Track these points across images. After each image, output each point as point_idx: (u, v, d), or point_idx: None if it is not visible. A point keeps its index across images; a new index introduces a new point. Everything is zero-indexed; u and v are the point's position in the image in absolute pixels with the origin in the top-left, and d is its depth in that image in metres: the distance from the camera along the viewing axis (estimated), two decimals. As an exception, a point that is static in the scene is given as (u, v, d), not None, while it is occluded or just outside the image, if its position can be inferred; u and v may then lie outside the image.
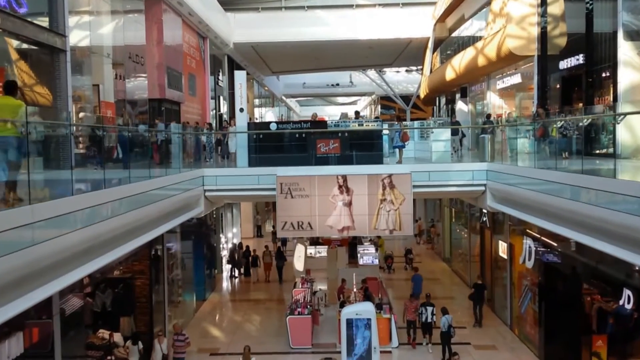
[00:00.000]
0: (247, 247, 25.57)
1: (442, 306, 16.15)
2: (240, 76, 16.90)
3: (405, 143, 16.56)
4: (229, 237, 28.10)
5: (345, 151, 15.73)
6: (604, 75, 16.33)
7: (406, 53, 36.94)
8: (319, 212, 14.75)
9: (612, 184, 8.56)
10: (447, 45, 30.46)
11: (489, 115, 17.21)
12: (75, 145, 9.54)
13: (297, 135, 15.82)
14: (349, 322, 13.79)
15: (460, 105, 30.09)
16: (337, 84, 55.88)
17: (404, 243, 29.76)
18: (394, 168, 15.28)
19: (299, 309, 16.71)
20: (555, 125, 12.79)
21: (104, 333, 14.20)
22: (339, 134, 15.84)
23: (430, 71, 32.35)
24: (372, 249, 24.79)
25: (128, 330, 15.05)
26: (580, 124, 11.14)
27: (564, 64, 19.34)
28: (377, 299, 17.52)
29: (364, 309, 13.87)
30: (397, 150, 16.57)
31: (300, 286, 19.45)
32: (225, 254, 26.64)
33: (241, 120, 16.42)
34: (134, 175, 10.37)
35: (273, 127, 16.02)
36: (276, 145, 16.03)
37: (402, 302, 17.70)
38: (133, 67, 19.87)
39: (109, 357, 13.73)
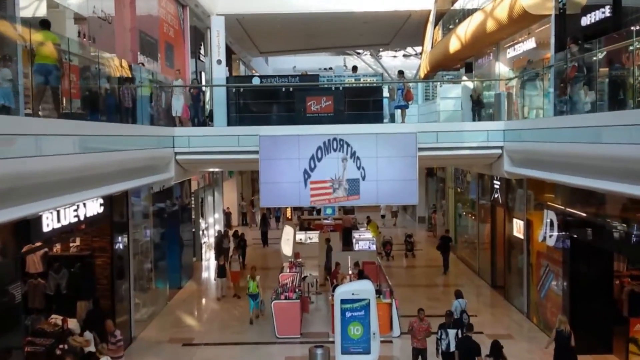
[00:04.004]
0: (242, 234, 24.12)
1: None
2: (217, 22, 15.48)
3: (409, 103, 15.43)
4: (210, 223, 26.97)
5: (339, 110, 14.77)
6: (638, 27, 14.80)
7: (405, 30, 35.55)
8: (311, 177, 13.64)
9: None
10: (451, 18, 29.09)
11: (530, 61, 15.70)
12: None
13: (283, 91, 14.83)
14: (345, 304, 12.42)
15: (465, 83, 28.76)
16: (331, 68, 54.45)
17: (401, 228, 28.76)
18: (396, 127, 14.30)
19: (286, 294, 15.53)
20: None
21: (57, 319, 13.09)
22: (333, 90, 14.95)
23: (432, 46, 30.97)
24: (369, 234, 24.08)
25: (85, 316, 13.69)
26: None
27: (586, 20, 17.79)
28: (376, 285, 16.05)
29: (361, 288, 12.55)
30: (398, 111, 15.48)
31: (288, 271, 18.51)
32: (205, 240, 25.58)
33: (219, 73, 15.08)
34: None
35: (256, 81, 14.89)
36: (259, 103, 15.19)
37: (402, 292, 16.89)
38: (99, 26, 18.19)
39: (61, 346, 12.22)
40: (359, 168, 13.51)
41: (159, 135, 12.96)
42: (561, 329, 11.75)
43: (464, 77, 19.51)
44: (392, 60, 53.93)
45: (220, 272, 18.89)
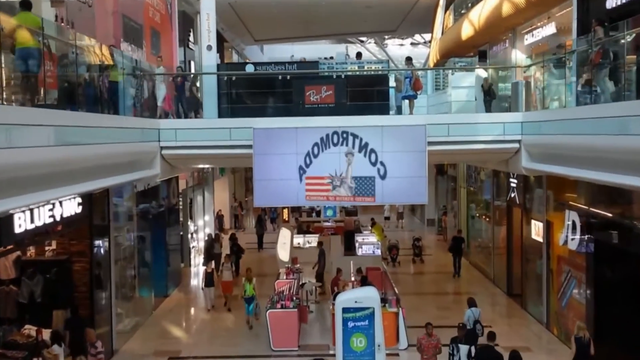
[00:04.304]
0: (236, 239, 23.99)
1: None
2: (207, 3, 15.40)
3: (418, 93, 15.43)
4: (200, 226, 26.99)
5: (341, 100, 14.69)
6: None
7: (413, 15, 35.41)
8: (310, 174, 13.62)
9: None
10: (463, 1, 29.00)
11: (560, 46, 15.63)
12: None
13: (280, 80, 14.72)
14: (347, 314, 12.36)
15: (478, 72, 28.69)
16: (332, 57, 54.42)
17: (408, 231, 28.89)
18: (403, 119, 14.27)
19: (283, 302, 15.42)
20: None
21: (30, 329, 13.04)
22: (334, 79, 14.89)
23: (442, 33, 30.88)
24: (373, 238, 23.87)
25: (62, 327, 13.62)
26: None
27: (611, 2, 17.67)
28: (381, 293, 16.01)
29: (365, 295, 12.47)
30: (406, 102, 15.51)
31: (284, 277, 18.41)
32: (194, 245, 25.56)
33: (209, 60, 15.00)
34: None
35: (250, 68, 15.06)
36: (253, 93, 15.17)
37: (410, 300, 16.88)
38: (78, 9, 18.09)
39: (35, 359, 12.12)
40: (374, 164, 13.52)
41: (142, 127, 12.86)
42: (580, 335, 11.68)
43: (478, 65, 19.41)
44: (399, 49, 53.92)
45: (208, 280, 18.62)
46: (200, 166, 21.66)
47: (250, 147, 13.54)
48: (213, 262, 20.89)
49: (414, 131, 13.53)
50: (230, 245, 23.30)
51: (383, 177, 13.59)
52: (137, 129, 12.50)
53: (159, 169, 13.90)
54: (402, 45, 54.25)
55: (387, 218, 34.11)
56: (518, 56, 24.27)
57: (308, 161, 13.55)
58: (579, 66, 12.39)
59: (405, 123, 13.80)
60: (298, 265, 20.05)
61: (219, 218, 30.21)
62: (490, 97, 16.15)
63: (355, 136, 13.54)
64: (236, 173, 36.80)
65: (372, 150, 13.58)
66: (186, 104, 15.27)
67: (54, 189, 8.91)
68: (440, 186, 32.75)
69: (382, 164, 13.61)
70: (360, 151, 13.48)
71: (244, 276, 16.68)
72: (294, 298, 15.91)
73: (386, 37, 50.76)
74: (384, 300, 15.07)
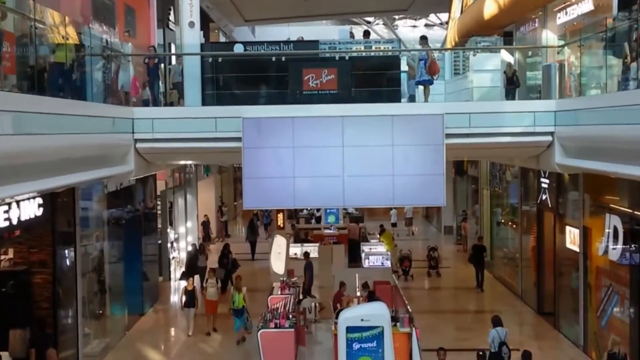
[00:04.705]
0: (228, 245, 23.93)
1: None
2: (189, -27, 15.25)
3: (434, 77, 15.20)
4: (181, 234, 27.09)
5: (345, 86, 14.59)
6: None
7: (427, -8, 35.63)
8: (308, 170, 13.45)
9: None
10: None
11: (599, 24, 15.58)
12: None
13: (274, 62, 14.54)
14: (351, 333, 12.26)
15: (503, 56, 28.72)
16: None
17: (423, 240, 29.05)
18: (417, 108, 14.11)
19: (277, 320, 15.39)
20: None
21: None
22: (336, 61, 14.80)
23: (461, 12, 30.87)
24: (381, 248, 24.17)
25: (21, 349, 13.65)
26: None
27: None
28: (391, 310, 15.98)
29: (372, 312, 12.36)
30: (420, 88, 15.31)
31: (279, 292, 18.40)
32: (175, 255, 25.69)
33: (192, 39, 14.93)
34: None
35: (239, 49, 15.08)
36: (243, 77, 15.07)
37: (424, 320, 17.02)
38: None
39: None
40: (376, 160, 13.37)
41: (114, 116, 12.74)
42: (614, 351, 11.60)
43: (504, 46, 19.34)
44: (411, 31, 54.09)
45: (189, 299, 18.35)
46: (182, 163, 21.56)
47: (239, 139, 13.41)
48: (197, 277, 20.86)
49: (430, 121, 13.39)
50: (219, 257, 23.13)
51: (392, 174, 13.42)
52: (107, 117, 12.36)
53: (132, 165, 13.74)
54: (414, 27, 54.46)
55: (394, 224, 34.21)
56: (549, 38, 24.20)
57: (306, 156, 13.44)
58: (622, 46, 12.27)
59: (419, 112, 13.65)
60: (295, 278, 20.04)
61: (204, 225, 30.15)
62: (514, 86, 16.09)
63: (360, 127, 13.40)
64: (223, 173, 36.84)
65: (380, 145, 13.40)
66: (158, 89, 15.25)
67: (9, 186, 8.76)
68: (460, 188, 32.79)
69: (392, 160, 13.44)
70: (364, 144, 13.37)
71: (219, 277, 16.66)
72: (290, 316, 15.87)
73: (396, 17, 50.79)
74: (394, 319, 14.99)
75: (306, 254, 21.59)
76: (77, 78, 12.31)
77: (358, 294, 17.60)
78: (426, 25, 53.75)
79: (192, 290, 18.54)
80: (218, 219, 32.37)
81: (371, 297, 16.59)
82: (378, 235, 26.73)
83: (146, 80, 15.29)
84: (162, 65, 16.80)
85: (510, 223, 23.89)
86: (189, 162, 22.53)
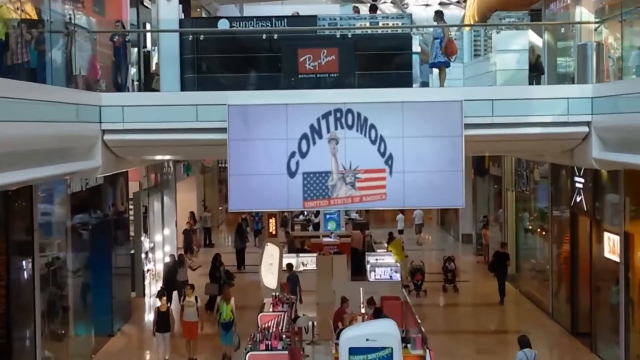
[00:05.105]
0: (218, 256, 23.91)
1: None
2: None
3: (451, 59, 15.17)
4: (157, 243, 27.06)
5: (347, 69, 14.57)
6: None
7: (442, -37, 35.70)
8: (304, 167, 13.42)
9: None
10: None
11: None
12: None
13: (265, 41, 14.46)
14: (355, 356, 12.26)
15: (530, 38, 28.81)
16: (335, 21, 54.76)
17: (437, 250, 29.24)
18: (432, 93, 14.16)
19: (268, 342, 15.29)
20: None
21: None
22: (338, 40, 14.68)
23: (482, -14, 30.93)
24: (390, 258, 24.29)
25: None
26: None
27: None
28: (401, 329, 16.04)
29: (379, 331, 12.33)
30: (435, 71, 15.35)
31: (271, 310, 18.38)
32: (150, 267, 25.66)
33: (169, 13, 14.91)
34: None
35: (224, 25, 15.00)
36: (229, 59, 15.11)
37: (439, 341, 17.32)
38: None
39: None
40: (383, 154, 13.28)
41: (77, 102, 12.60)
42: None
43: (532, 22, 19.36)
44: (424, 10, 54.18)
45: (162, 322, 18.02)
46: (158, 158, 21.47)
47: (224, 130, 13.36)
48: (175, 293, 20.69)
49: (446, 109, 13.35)
50: (210, 269, 23.02)
51: (402, 171, 13.38)
52: (69, 104, 12.22)
53: (99, 161, 13.64)
54: (427, 5, 54.61)
55: (400, 231, 34.27)
56: (584, 15, 24.17)
57: (303, 149, 13.41)
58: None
59: (434, 98, 13.64)
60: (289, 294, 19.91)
61: (186, 233, 30.02)
62: (537, 72, 16.23)
63: (361, 117, 13.37)
64: (206, 173, 36.82)
65: (389, 137, 13.37)
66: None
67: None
68: (480, 190, 32.92)
69: (402, 154, 13.40)
70: (370, 135, 13.35)
71: (211, 293, 16.63)
72: (284, 337, 15.82)
73: (406, -7, 50.89)
74: (405, 340, 15.03)
75: (289, 266, 21.62)
76: (31, 58, 12.21)
77: (363, 311, 17.59)
78: (441, 2, 53.90)
79: (166, 311, 18.22)
80: (191, 227, 32.04)
81: (378, 314, 16.58)
82: (386, 244, 26.65)
83: (112, 62, 15.23)
84: (137, 47, 16.72)
85: (539, 230, 23.96)
86: (166, 157, 22.44)
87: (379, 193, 13.51)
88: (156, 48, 18.80)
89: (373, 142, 13.38)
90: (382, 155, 13.38)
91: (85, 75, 14.59)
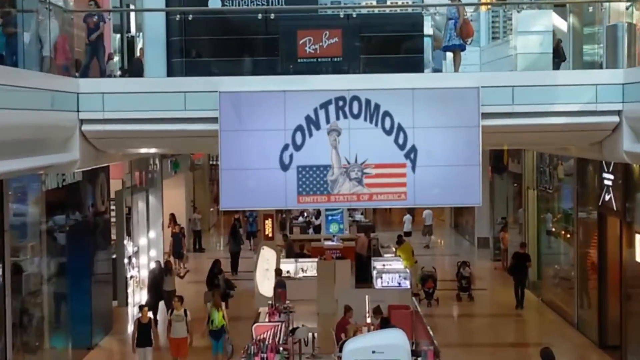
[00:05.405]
0: (218, 262, 23.91)
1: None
2: None
3: (466, 41, 15.17)
4: (142, 247, 27.15)
5: (351, 53, 14.82)
6: None
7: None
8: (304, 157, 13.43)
9: None
10: None
11: None
12: None
13: (260, 21, 14.39)
14: None
15: (554, 20, 28.97)
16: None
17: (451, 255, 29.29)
18: (445, 79, 14.21)
19: (264, 355, 15.34)
20: None
21: None
22: (341, 20, 14.62)
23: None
24: (398, 264, 24.33)
25: None
26: None
27: None
28: (411, 341, 16.28)
29: (387, 342, 12.47)
30: (449, 55, 15.51)
31: (266, 320, 18.56)
32: (133, 274, 25.79)
33: None
34: None
35: (215, 4, 14.92)
36: (221, 41, 15.32)
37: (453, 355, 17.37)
38: None
39: None
40: (402, 145, 13.28)
41: (53, 89, 12.59)
42: None
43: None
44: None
45: (143, 335, 17.86)
46: (142, 152, 21.38)
47: (215, 120, 13.39)
48: (161, 304, 20.62)
49: (462, 96, 13.35)
50: (208, 277, 22.98)
51: (414, 165, 13.38)
52: (44, 90, 12.22)
53: (77, 154, 13.65)
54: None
55: (408, 234, 34.30)
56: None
57: (298, 142, 13.42)
58: None
59: (447, 85, 13.61)
60: (288, 302, 20.01)
61: (175, 237, 29.97)
62: (558, 59, 16.29)
63: (372, 104, 13.33)
64: (196, 170, 36.81)
65: (400, 126, 13.34)
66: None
67: None
68: (498, 190, 32.97)
69: (413, 147, 13.41)
70: (378, 124, 13.29)
71: (208, 302, 16.98)
72: (281, 349, 15.92)
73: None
74: (415, 353, 15.10)
75: (277, 272, 21.62)
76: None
77: (368, 321, 17.59)
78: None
79: (148, 322, 18.12)
80: (171, 230, 31.90)
81: (385, 325, 16.61)
82: (394, 248, 26.64)
83: (86, 44, 15.24)
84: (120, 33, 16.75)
85: (563, 232, 23.93)
86: (152, 150, 22.40)
87: (396, 192, 13.54)
88: (141, 34, 18.91)
89: (388, 132, 13.37)
90: (402, 147, 13.38)
91: (53, 59, 14.58)
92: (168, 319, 18.84)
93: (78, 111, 13.54)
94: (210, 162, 39.55)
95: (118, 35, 24.23)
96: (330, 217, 30.13)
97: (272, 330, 17.30)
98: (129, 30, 26.08)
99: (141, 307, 18.76)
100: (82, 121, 13.62)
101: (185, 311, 18.49)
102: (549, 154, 23.90)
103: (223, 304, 17.15)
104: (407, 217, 35.24)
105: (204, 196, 38.60)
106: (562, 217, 24.16)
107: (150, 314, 19.21)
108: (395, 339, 12.70)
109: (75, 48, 15.89)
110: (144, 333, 17.87)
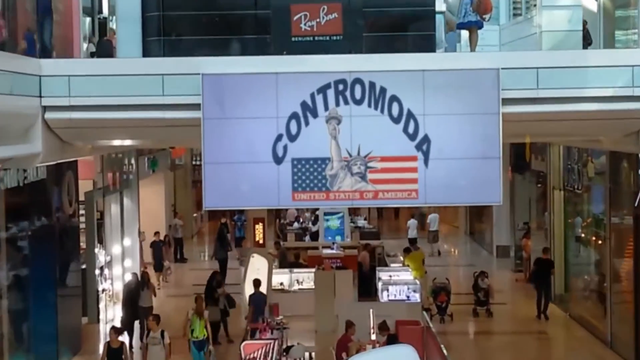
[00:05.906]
0: (217, 274, 23.96)
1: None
2: None
3: (484, 18, 15.26)
4: (115, 256, 27.25)
5: (353, 30, 14.70)
6: None
7: None
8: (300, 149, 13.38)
9: None
10: None
11: None
12: None
13: (247, -5, 14.80)
14: None
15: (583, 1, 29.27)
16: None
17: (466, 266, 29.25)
18: (460, 59, 14.17)
19: None
20: None
21: None
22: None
23: None
24: (407, 275, 24.45)
25: None
26: None
27: None
28: None
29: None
30: (464, 34, 15.89)
31: (257, 336, 18.72)
32: (106, 287, 25.95)
33: None
34: None
35: None
36: (203, 17, 15.16)
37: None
38: None
39: None
40: (412, 136, 13.21)
41: (11, 70, 12.48)
42: None
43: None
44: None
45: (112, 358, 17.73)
46: (115, 144, 21.31)
47: (197, 107, 13.34)
48: (136, 323, 20.56)
49: (479, 79, 13.27)
50: (205, 292, 22.49)
51: (426, 158, 13.28)
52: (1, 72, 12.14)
53: (39, 146, 13.61)
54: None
55: (413, 240, 34.38)
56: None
57: (292, 132, 13.35)
58: None
59: (463, 66, 13.56)
60: (281, 317, 20.07)
61: (156, 245, 29.87)
62: (584, 42, 16.38)
63: (376, 88, 13.25)
64: (177, 170, 36.79)
65: (410, 113, 13.26)
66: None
67: None
68: (520, 191, 33.11)
69: (426, 137, 13.33)
70: (384, 111, 13.19)
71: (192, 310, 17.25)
72: None
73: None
74: None
75: (256, 282, 21.52)
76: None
77: (373, 338, 17.51)
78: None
79: (119, 347, 17.80)
80: (166, 238, 31.96)
81: (392, 342, 16.61)
82: (402, 258, 26.62)
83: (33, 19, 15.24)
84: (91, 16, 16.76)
85: (593, 239, 24.01)
86: (125, 142, 22.33)
87: (406, 189, 13.49)
88: (114, 18, 18.90)
89: (396, 120, 13.29)
90: (412, 137, 13.30)
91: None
92: (145, 343, 18.71)
93: (40, 96, 13.47)
94: (193, 162, 39.54)
95: (88, 19, 24.27)
96: (328, 219, 30.24)
97: (264, 349, 17.32)
98: (100, 11, 26.16)
99: (112, 329, 18.55)
100: (45, 108, 13.55)
101: (162, 332, 18.33)
102: (578, 149, 23.96)
103: (207, 312, 17.06)
104: (412, 222, 35.17)
105: (185, 200, 38.67)
106: (592, 222, 24.21)
107: (125, 336, 19.14)
108: (405, 356, 12.47)
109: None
110: (114, 356, 17.61)
